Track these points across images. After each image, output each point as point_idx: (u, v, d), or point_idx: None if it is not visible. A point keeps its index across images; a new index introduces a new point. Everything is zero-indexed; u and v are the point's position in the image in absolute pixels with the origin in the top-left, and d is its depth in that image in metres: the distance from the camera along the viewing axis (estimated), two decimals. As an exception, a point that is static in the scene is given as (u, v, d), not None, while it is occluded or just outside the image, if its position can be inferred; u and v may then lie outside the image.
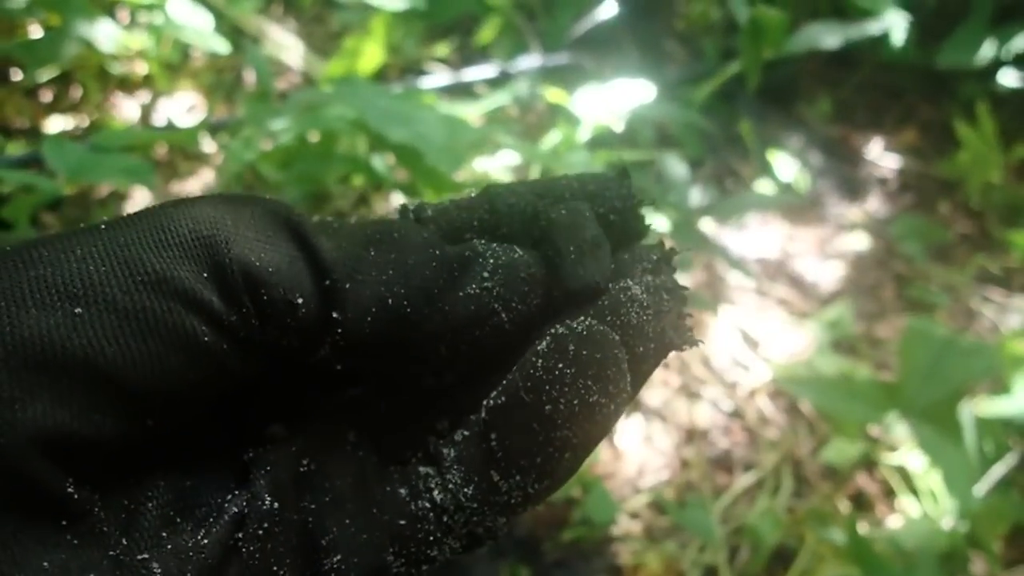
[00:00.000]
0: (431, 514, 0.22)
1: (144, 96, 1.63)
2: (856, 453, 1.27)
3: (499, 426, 0.21)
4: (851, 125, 2.10)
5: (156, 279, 0.18)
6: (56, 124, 1.47)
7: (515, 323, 0.23)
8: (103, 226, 0.19)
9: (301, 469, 0.21)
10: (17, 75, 1.52)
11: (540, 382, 0.21)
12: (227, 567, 0.20)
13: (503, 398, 0.22)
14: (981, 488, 1.13)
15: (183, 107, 1.64)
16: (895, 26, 1.52)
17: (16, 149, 1.33)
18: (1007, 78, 1.90)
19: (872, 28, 0.92)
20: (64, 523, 0.17)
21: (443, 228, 0.25)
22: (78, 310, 0.17)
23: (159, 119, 1.60)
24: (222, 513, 0.20)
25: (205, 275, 0.18)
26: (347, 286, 0.20)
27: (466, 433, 0.22)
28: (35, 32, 1.49)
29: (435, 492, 0.22)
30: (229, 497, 0.21)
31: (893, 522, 1.23)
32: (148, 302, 0.18)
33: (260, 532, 0.20)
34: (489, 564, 1.08)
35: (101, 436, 0.18)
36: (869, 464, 1.35)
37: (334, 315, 0.20)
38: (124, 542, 0.18)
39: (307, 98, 1.22)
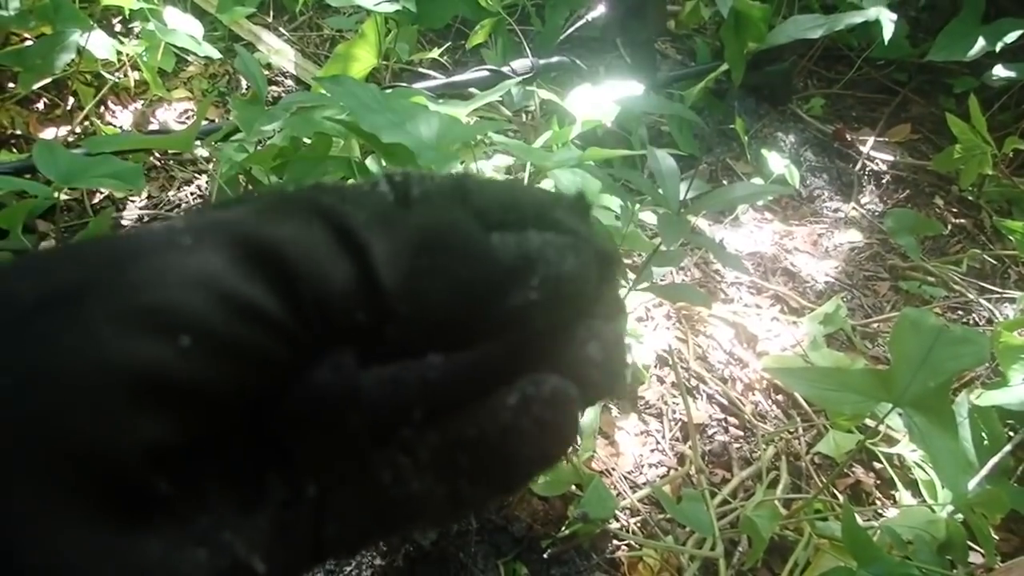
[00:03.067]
0: (410, 500, 0.23)
1: (139, 103, 1.63)
2: (853, 446, 1.28)
3: (469, 452, 0.23)
4: (844, 121, 2.10)
5: (250, 311, 0.20)
6: (51, 133, 1.48)
7: (545, 330, 0.24)
8: (188, 241, 0.20)
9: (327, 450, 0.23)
10: (11, 84, 1.53)
11: (507, 433, 0.23)
12: (279, 546, 0.22)
13: (472, 431, 0.23)
14: (977, 477, 1.13)
15: (177, 114, 1.65)
16: (884, 21, 1.52)
17: (11, 158, 1.34)
18: (999, 72, 1.91)
19: (855, 18, 0.93)
20: (158, 514, 0.19)
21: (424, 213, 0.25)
22: (185, 340, 0.19)
23: (154, 126, 1.60)
24: (267, 496, 0.22)
25: (288, 303, 0.20)
26: (400, 307, 0.21)
27: (437, 440, 0.23)
28: (30, 43, 1.50)
29: (413, 484, 0.23)
30: (271, 478, 0.22)
31: (891, 514, 1.23)
32: (244, 332, 0.20)
33: (305, 516, 0.22)
34: (487, 561, 1.09)
35: (189, 442, 0.20)
36: (867, 456, 1.35)
37: (388, 329, 0.22)
38: (204, 523, 0.20)
39: (298, 100, 1.22)
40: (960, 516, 1.12)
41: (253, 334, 0.20)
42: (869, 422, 1.33)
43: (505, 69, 1.73)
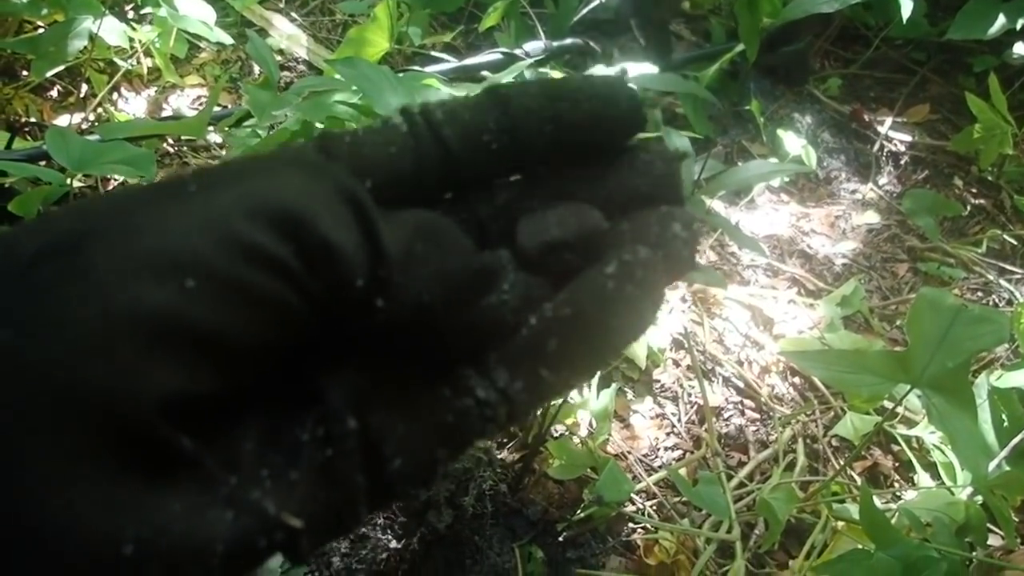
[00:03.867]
0: (474, 409, 0.23)
1: (151, 90, 1.64)
2: (870, 428, 1.27)
3: (561, 333, 0.23)
4: (862, 101, 2.08)
5: (254, 254, 0.19)
6: (64, 120, 1.48)
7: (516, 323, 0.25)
8: (193, 189, 0.20)
9: (363, 388, 0.24)
10: (24, 72, 1.53)
11: (610, 300, 0.23)
12: (320, 489, 0.22)
13: (568, 310, 0.23)
14: (997, 459, 1.12)
15: (190, 100, 1.65)
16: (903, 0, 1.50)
17: (25, 145, 1.34)
18: (1020, 50, 1.88)
19: (873, -8, 0.91)
20: (183, 473, 0.19)
21: (456, 132, 0.26)
22: (189, 283, 0.18)
23: (167, 112, 1.60)
24: (302, 443, 0.22)
25: (294, 248, 0.20)
26: (395, 279, 0.22)
27: (520, 340, 0.24)
28: (42, 31, 1.50)
29: (477, 391, 0.23)
30: (306, 426, 0.22)
31: (910, 496, 1.22)
32: (249, 275, 0.19)
33: (348, 451, 0.22)
34: (502, 544, 1.09)
35: (209, 393, 0.20)
36: (885, 439, 1.34)
37: (379, 302, 0.22)
38: (233, 483, 0.20)
39: (310, 84, 1.22)
40: (980, 498, 1.11)
41: (261, 277, 0.19)
42: (887, 404, 1.32)
43: (518, 52, 1.71)
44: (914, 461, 1.27)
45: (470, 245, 0.24)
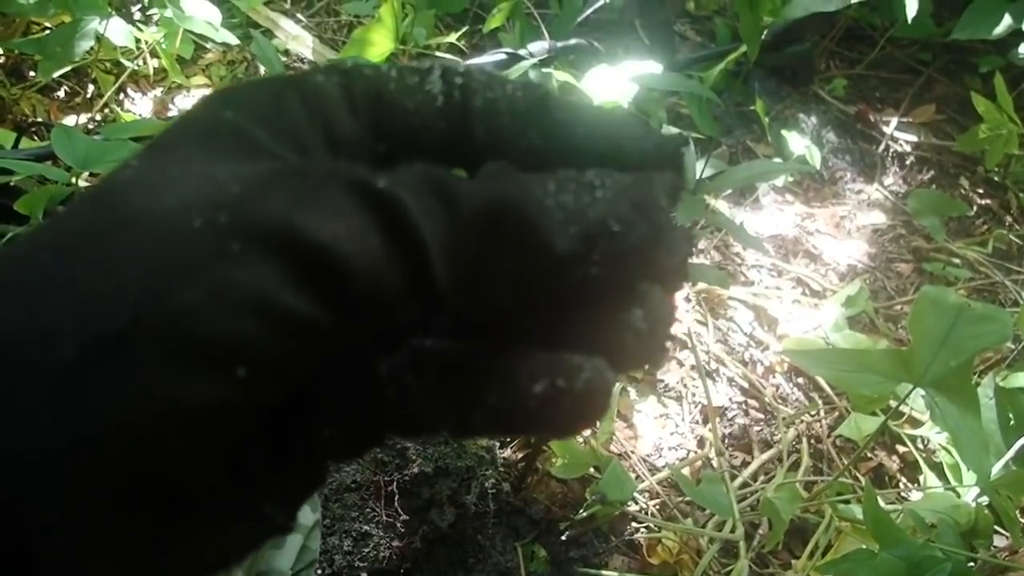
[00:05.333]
0: (416, 419, 0.23)
1: (158, 91, 1.64)
2: (874, 428, 1.26)
3: (485, 413, 0.22)
4: (867, 102, 2.07)
5: (304, 329, 0.19)
6: (71, 121, 1.49)
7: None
8: (235, 249, 0.18)
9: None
10: (31, 73, 1.54)
11: (530, 417, 0.21)
12: (300, 482, 0.23)
13: (494, 398, 0.22)
14: (1004, 459, 1.12)
15: (196, 100, 1.65)
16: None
17: (32, 145, 1.35)
18: (1026, 50, 1.87)
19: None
20: (204, 496, 0.20)
21: (488, 132, 0.24)
22: (241, 372, 0.18)
23: (173, 113, 1.61)
24: (291, 449, 0.22)
25: (341, 314, 0.19)
26: (452, 303, 0.20)
27: (453, 390, 0.23)
28: (49, 31, 1.51)
29: (424, 410, 0.23)
30: (293, 433, 0.22)
31: (915, 497, 1.21)
32: (298, 351, 0.19)
33: (325, 451, 0.23)
34: (505, 543, 1.09)
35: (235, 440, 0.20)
36: (890, 439, 1.34)
37: (435, 319, 0.21)
38: (242, 496, 0.21)
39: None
40: (986, 499, 1.11)
41: (307, 350, 0.19)
42: (892, 403, 1.32)
43: (522, 52, 1.71)
44: (920, 462, 1.27)
45: (545, 222, 0.20)
